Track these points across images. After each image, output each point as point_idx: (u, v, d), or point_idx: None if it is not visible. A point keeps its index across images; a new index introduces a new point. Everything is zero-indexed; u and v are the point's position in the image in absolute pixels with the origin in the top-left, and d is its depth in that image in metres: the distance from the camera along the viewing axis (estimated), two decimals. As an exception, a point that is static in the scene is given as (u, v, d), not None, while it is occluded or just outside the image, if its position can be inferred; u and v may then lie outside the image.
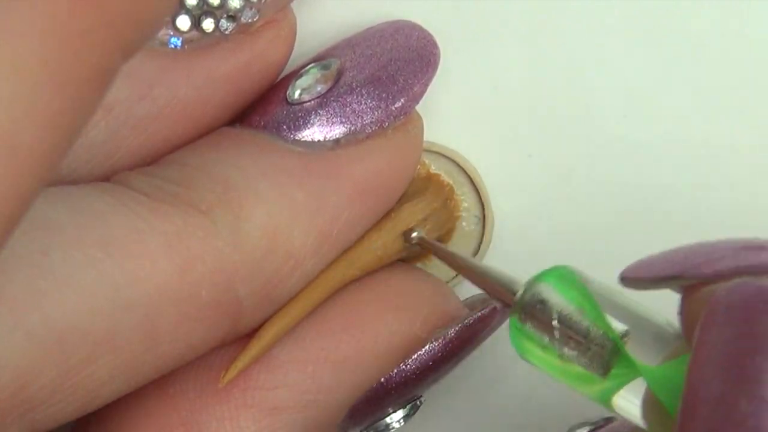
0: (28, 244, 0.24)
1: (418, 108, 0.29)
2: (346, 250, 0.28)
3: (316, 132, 0.28)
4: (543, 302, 0.25)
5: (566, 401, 0.30)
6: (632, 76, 0.31)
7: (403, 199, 0.29)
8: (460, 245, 0.31)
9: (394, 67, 0.28)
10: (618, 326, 0.24)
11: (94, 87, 0.19)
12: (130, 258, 0.24)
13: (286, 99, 0.28)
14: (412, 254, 0.30)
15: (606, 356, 0.24)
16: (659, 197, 0.31)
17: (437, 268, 0.31)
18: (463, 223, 0.31)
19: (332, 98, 0.28)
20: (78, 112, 0.19)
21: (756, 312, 0.22)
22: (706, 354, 0.22)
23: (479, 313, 0.29)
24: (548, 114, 0.31)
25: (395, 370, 0.28)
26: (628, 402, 0.24)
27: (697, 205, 0.31)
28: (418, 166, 0.30)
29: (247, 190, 0.26)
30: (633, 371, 0.24)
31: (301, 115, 0.28)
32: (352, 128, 0.28)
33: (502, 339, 0.30)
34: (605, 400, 0.24)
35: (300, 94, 0.28)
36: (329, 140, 0.28)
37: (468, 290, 0.31)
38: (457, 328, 0.29)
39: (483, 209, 0.31)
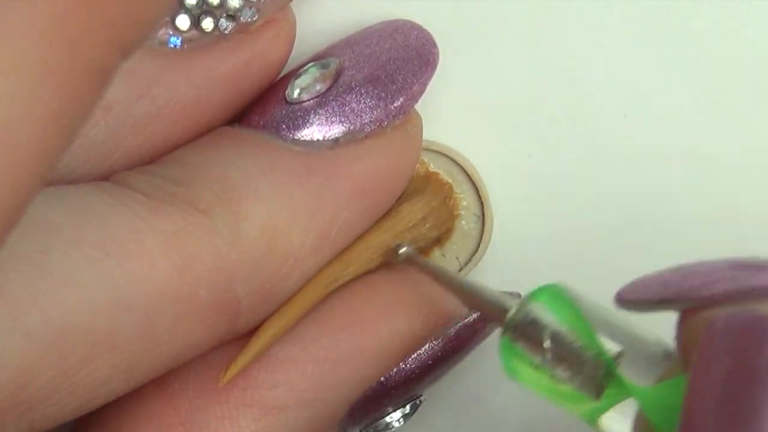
0: (27, 243, 0.24)
1: (417, 107, 0.29)
2: (345, 250, 0.28)
3: (315, 131, 0.28)
4: (535, 322, 0.25)
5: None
6: (632, 76, 0.31)
7: (403, 198, 0.29)
8: (459, 244, 0.31)
9: (393, 66, 0.28)
10: (611, 347, 0.24)
11: (93, 86, 0.19)
12: (129, 257, 0.24)
13: (285, 98, 0.28)
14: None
15: (599, 378, 0.24)
16: (659, 197, 0.31)
17: (437, 267, 0.31)
18: (463, 222, 0.31)
19: (331, 97, 0.28)
20: (77, 111, 0.19)
21: (753, 343, 0.21)
22: (703, 385, 0.21)
23: (479, 313, 0.29)
24: (548, 114, 0.31)
25: (395, 370, 0.28)
26: (618, 423, 0.24)
27: (697, 205, 0.31)
28: (417, 165, 0.30)
29: (246, 190, 0.26)
30: (625, 392, 0.24)
31: (300, 115, 0.28)
32: (351, 127, 0.28)
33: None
34: (593, 419, 0.24)
35: (299, 94, 0.28)
36: (328, 139, 0.28)
37: (468, 290, 0.31)
38: (457, 328, 0.29)
39: (482, 208, 0.31)
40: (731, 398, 0.21)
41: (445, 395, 0.32)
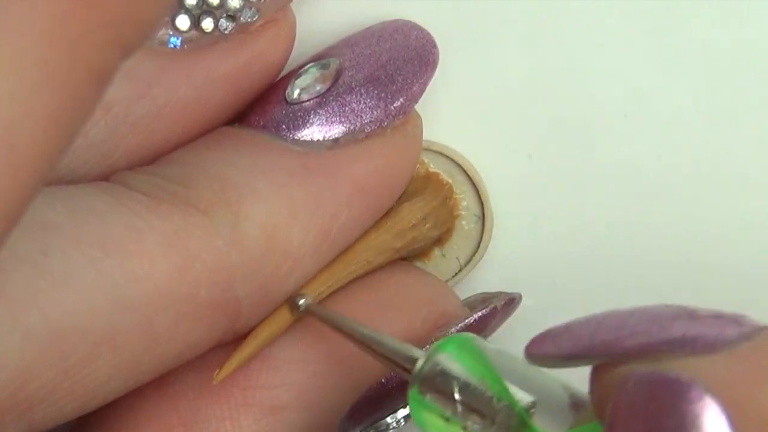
0: (27, 243, 0.24)
1: (418, 107, 0.29)
2: (345, 250, 0.28)
3: (315, 131, 0.28)
4: (443, 373, 0.24)
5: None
6: (632, 76, 0.31)
7: (403, 198, 0.29)
8: (459, 244, 0.31)
9: (393, 66, 0.28)
10: (522, 397, 0.24)
11: (93, 86, 0.19)
12: (129, 257, 0.24)
13: (285, 98, 0.28)
14: (413, 253, 0.30)
15: (511, 429, 0.24)
16: (659, 197, 0.31)
17: (437, 267, 0.31)
18: (463, 222, 0.31)
19: (331, 98, 0.28)
20: (77, 112, 0.19)
21: (664, 406, 0.21)
22: None
23: (479, 313, 0.29)
24: (548, 114, 0.31)
25: (395, 370, 0.28)
26: None
27: (697, 203, 0.31)
28: (417, 165, 0.30)
29: (246, 189, 0.26)
30: None
31: (300, 115, 0.28)
32: (351, 127, 0.28)
33: (501, 339, 0.30)
34: None
35: (299, 94, 0.28)
36: (328, 139, 0.28)
37: (468, 290, 0.31)
38: (457, 328, 0.29)
39: (482, 208, 0.31)
40: None
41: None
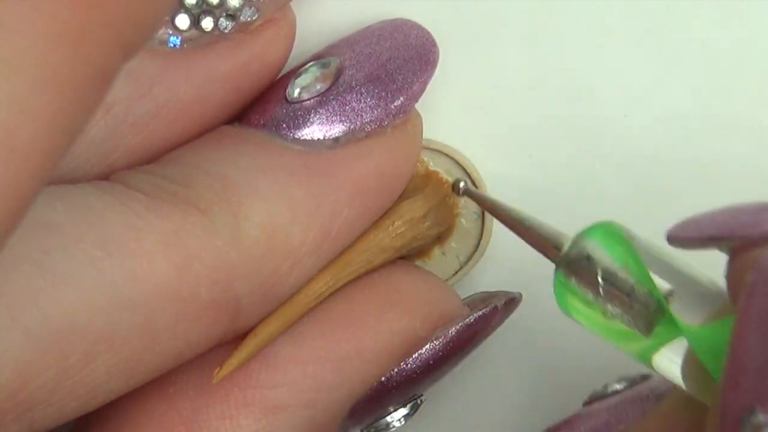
0: (27, 243, 0.24)
1: (418, 106, 0.29)
2: (345, 249, 0.28)
3: (315, 130, 0.28)
4: (588, 258, 0.25)
5: (569, 402, 0.30)
6: (632, 76, 0.31)
7: (403, 196, 0.29)
8: (459, 242, 0.31)
9: (393, 65, 0.28)
10: (662, 285, 0.24)
11: (95, 87, 0.19)
12: (129, 256, 0.24)
13: (286, 97, 0.28)
14: (413, 252, 0.30)
15: (649, 315, 0.24)
16: (659, 197, 0.31)
17: (437, 266, 0.31)
18: (463, 220, 0.31)
19: (331, 97, 0.28)
20: (78, 112, 0.19)
21: None
22: (749, 322, 0.21)
23: (480, 312, 0.29)
24: (548, 114, 0.31)
25: (396, 369, 0.28)
26: (669, 361, 0.24)
27: (697, 205, 0.31)
28: (417, 164, 0.30)
29: (246, 189, 0.26)
30: (676, 330, 0.24)
31: (300, 114, 0.28)
32: (352, 127, 0.28)
33: (502, 338, 0.30)
34: (645, 357, 0.24)
35: (299, 93, 0.28)
36: (329, 139, 0.28)
37: (468, 289, 0.31)
38: (458, 327, 0.29)
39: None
40: None
41: (446, 395, 0.32)
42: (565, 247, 0.25)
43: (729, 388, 0.21)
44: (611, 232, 0.25)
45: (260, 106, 0.28)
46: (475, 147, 0.31)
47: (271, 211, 0.26)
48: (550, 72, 0.31)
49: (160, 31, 0.27)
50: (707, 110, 0.31)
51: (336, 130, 0.28)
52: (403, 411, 0.29)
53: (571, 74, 0.31)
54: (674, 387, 0.24)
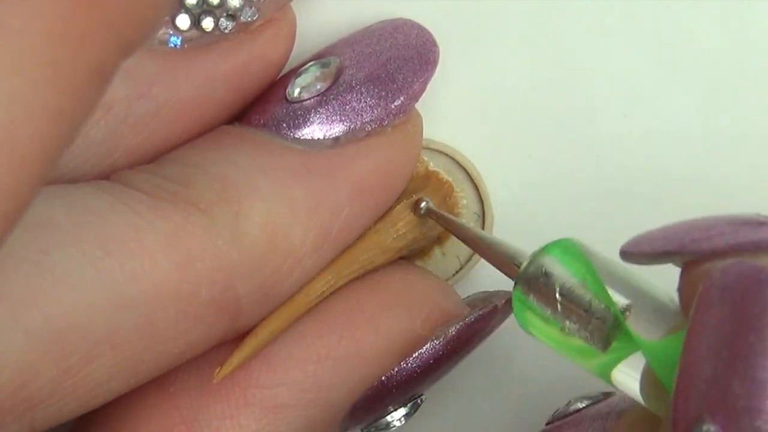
0: (27, 242, 0.24)
1: (418, 106, 0.29)
2: (345, 249, 0.28)
3: (315, 130, 0.28)
4: (546, 275, 0.25)
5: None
6: (632, 76, 0.31)
7: (403, 196, 0.29)
8: (459, 242, 0.31)
9: (393, 65, 0.28)
10: (620, 300, 0.24)
11: (94, 86, 0.19)
12: (129, 256, 0.24)
13: (286, 97, 0.28)
14: (413, 252, 0.30)
15: (606, 330, 0.24)
16: (659, 197, 0.31)
17: (437, 266, 0.31)
18: (462, 221, 0.31)
19: (332, 96, 0.28)
20: (77, 111, 0.19)
21: (750, 292, 0.22)
22: (699, 334, 0.22)
23: (480, 312, 0.29)
24: (548, 114, 0.31)
25: (396, 369, 0.28)
26: (627, 376, 0.24)
27: (697, 205, 0.31)
28: (417, 164, 0.30)
29: (246, 188, 0.26)
30: (633, 345, 0.24)
31: (300, 114, 0.28)
32: (352, 126, 0.28)
33: (502, 337, 0.30)
34: (605, 374, 0.24)
35: (299, 93, 0.28)
36: (329, 138, 0.28)
37: (468, 289, 0.31)
38: (458, 327, 0.29)
39: (482, 206, 0.31)
40: (727, 347, 0.21)
41: (447, 394, 0.32)
42: (524, 265, 0.26)
43: (679, 399, 0.21)
44: (569, 248, 0.25)
45: (260, 106, 0.28)
46: (475, 146, 0.31)
47: (272, 210, 0.26)
48: (550, 72, 0.31)
49: (161, 31, 0.27)
50: (707, 110, 0.31)
51: (336, 129, 0.28)
52: (403, 410, 0.29)
53: (571, 74, 0.31)
54: (635, 404, 0.24)
